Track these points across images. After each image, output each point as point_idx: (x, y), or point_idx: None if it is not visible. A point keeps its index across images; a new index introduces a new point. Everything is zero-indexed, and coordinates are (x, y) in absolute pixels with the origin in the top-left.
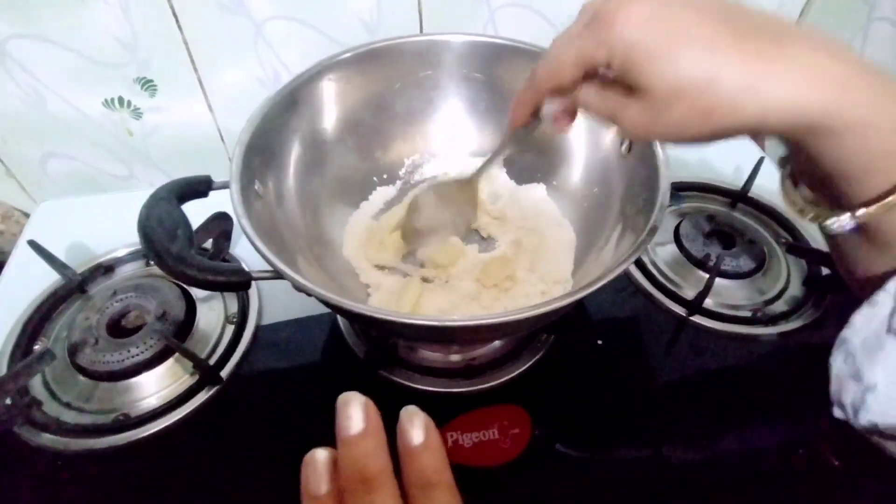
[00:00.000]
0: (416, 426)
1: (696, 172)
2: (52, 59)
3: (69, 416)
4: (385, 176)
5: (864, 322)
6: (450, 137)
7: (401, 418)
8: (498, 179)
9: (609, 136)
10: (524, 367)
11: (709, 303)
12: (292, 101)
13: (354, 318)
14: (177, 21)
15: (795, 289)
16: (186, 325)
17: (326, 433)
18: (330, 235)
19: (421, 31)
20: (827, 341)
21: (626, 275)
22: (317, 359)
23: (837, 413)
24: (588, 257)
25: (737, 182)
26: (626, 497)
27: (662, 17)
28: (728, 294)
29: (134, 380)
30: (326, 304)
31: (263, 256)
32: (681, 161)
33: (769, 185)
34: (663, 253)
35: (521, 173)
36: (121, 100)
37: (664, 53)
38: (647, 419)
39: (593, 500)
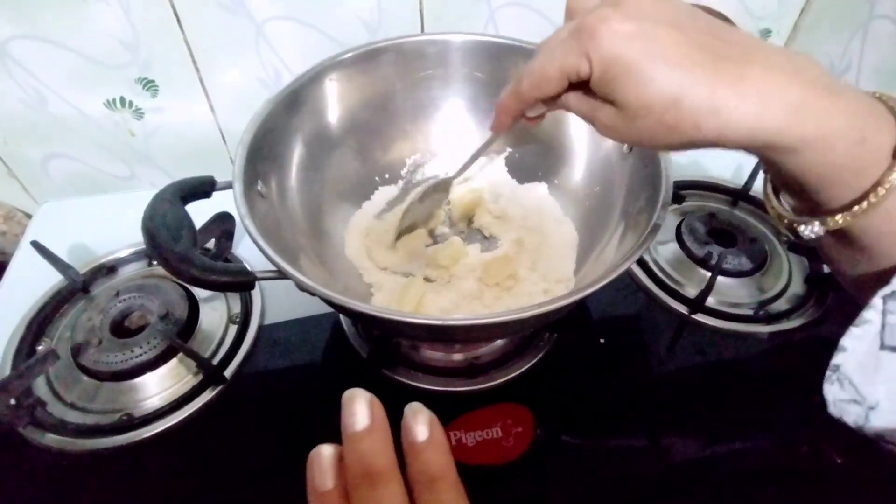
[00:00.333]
0: (420, 422)
1: (697, 171)
2: (54, 60)
3: (73, 417)
4: (387, 175)
5: (855, 344)
6: (451, 137)
7: (405, 415)
8: (499, 178)
9: None
10: (527, 366)
11: (710, 301)
12: (294, 102)
13: (358, 317)
14: (178, 21)
15: (797, 287)
16: (189, 325)
17: (330, 432)
18: (332, 235)
19: (422, 30)
20: (829, 339)
21: (628, 273)
22: (319, 358)
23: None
24: (590, 256)
25: (738, 181)
26: (629, 494)
27: (642, 36)
28: (730, 292)
29: (137, 380)
30: (330, 303)
31: (267, 256)
32: (682, 160)
33: None
34: (665, 251)
35: (523, 172)
36: (122, 100)
37: (638, 71)
38: (649, 417)
39: (597, 497)
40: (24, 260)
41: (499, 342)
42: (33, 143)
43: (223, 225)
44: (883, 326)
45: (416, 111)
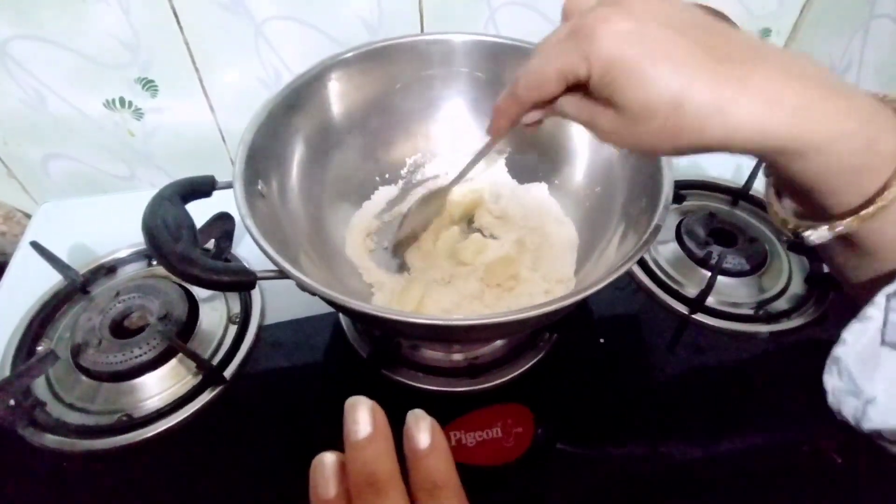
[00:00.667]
0: (422, 430)
1: (697, 171)
2: (53, 60)
3: (73, 417)
4: (387, 175)
5: (856, 338)
6: (452, 137)
7: (407, 422)
8: (500, 178)
9: None
10: (527, 366)
11: (710, 301)
12: (294, 101)
13: (358, 317)
14: (178, 21)
15: (797, 286)
16: (189, 325)
17: (330, 432)
18: (332, 235)
19: (422, 30)
20: (829, 339)
21: (628, 273)
22: (319, 358)
23: (840, 418)
24: (591, 256)
25: (738, 180)
26: (629, 494)
27: (641, 36)
28: (730, 292)
29: (137, 380)
30: (331, 303)
31: (268, 256)
32: (682, 160)
33: None
34: (665, 251)
35: (523, 172)
36: (122, 100)
37: (639, 73)
38: (649, 417)
39: (596, 497)
40: (23, 260)
41: (499, 342)
42: (33, 143)
43: (223, 225)
44: (885, 323)
45: (417, 111)
